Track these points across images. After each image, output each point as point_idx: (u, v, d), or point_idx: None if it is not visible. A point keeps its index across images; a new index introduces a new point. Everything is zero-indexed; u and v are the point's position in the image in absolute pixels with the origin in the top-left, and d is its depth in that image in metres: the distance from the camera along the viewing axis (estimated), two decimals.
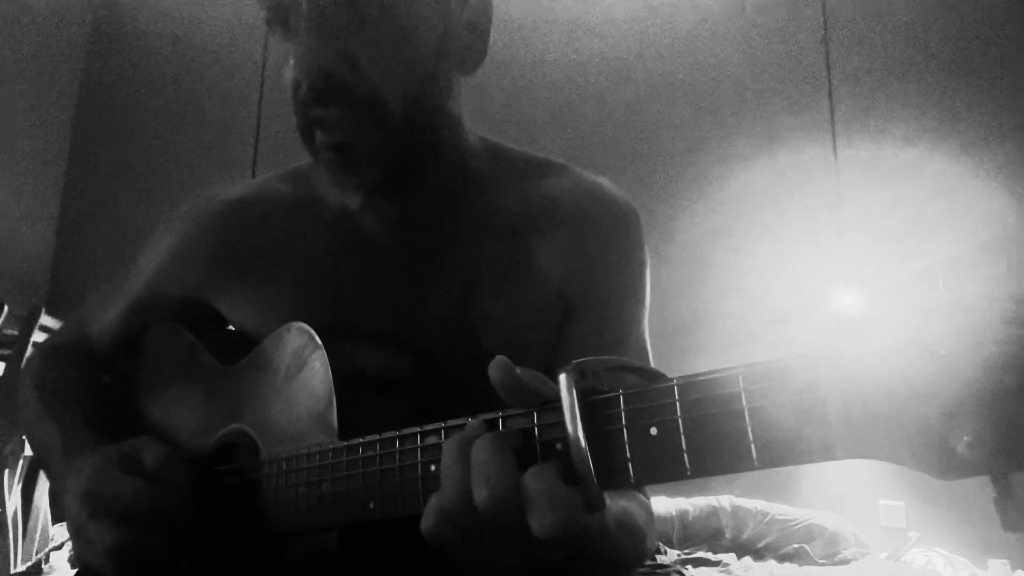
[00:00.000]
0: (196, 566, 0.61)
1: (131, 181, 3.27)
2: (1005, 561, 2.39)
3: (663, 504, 2.53)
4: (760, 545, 2.44)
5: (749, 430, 0.37)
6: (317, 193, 0.73)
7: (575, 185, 0.73)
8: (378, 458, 0.52)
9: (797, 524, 2.45)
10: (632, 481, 0.41)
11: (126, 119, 3.37)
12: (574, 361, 0.43)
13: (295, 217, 0.72)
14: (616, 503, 0.54)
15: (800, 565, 2.32)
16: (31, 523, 2.28)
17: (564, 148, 2.97)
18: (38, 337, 2.21)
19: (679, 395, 0.40)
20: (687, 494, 2.58)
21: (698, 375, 0.40)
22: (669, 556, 2.32)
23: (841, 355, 0.35)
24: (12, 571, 2.04)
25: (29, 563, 2.12)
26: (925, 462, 0.32)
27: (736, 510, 2.51)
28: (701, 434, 0.39)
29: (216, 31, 3.37)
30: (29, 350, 2.16)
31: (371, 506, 0.52)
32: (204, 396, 0.70)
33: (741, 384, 0.38)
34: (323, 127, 0.59)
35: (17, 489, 2.16)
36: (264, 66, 3.29)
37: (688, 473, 0.39)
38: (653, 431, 0.40)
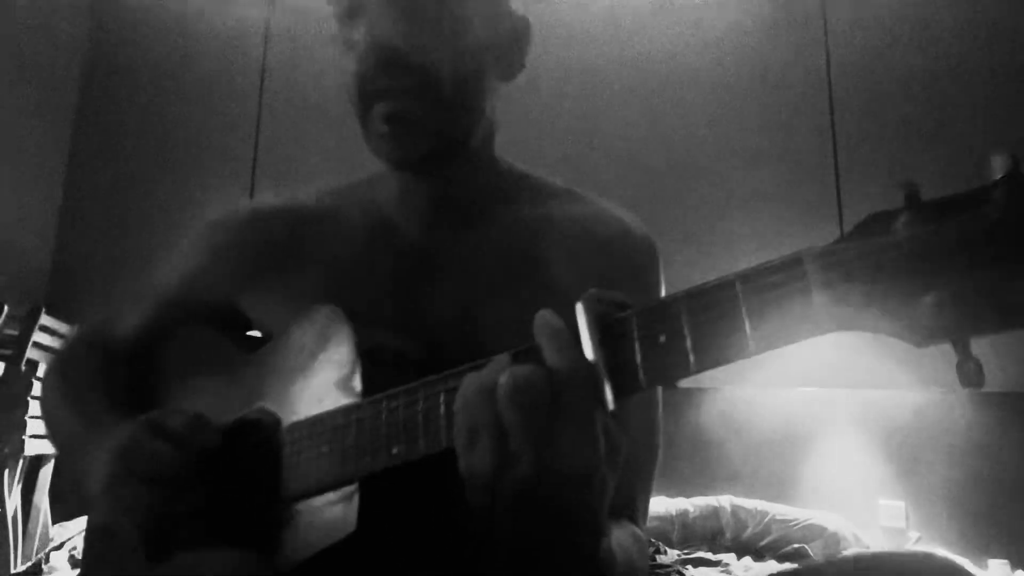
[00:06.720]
0: (218, 532, 0.62)
1: (131, 181, 3.27)
2: (1005, 561, 2.39)
3: (663, 504, 2.53)
4: (760, 545, 2.44)
5: (746, 323, 0.42)
6: (346, 203, 0.78)
7: (598, 214, 0.76)
8: (401, 406, 0.53)
9: (797, 524, 2.45)
10: (643, 384, 0.45)
11: (127, 119, 3.37)
12: (591, 290, 0.48)
13: (324, 225, 0.77)
14: (620, 545, 0.58)
15: (800, 565, 2.32)
16: (31, 523, 2.28)
17: (557, 150, 2.97)
18: (38, 337, 2.21)
19: (685, 306, 0.44)
20: (687, 494, 2.58)
21: (701, 286, 0.44)
22: (669, 556, 2.32)
23: (826, 251, 0.41)
24: (12, 571, 2.04)
25: (29, 563, 2.12)
26: (900, 331, 0.39)
27: (736, 510, 2.51)
28: (704, 333, 0.43)
29: (217, 30, 3.37)
30: (29, 350, 2.16)
31: (394, 451, 0.53)
32: (227, 384, 0.72)
33: (738, 287, 0.43)
34: (382, 99, 0.66)
35: (17, 489, 2.16)
36: (264, 65, 3.29)
37: (693, 368, 0.43)
38: (662, 339, 0.44)
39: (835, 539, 2.40)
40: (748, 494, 2.58)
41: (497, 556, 0.50)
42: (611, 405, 0.45)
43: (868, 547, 2.42)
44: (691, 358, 0.43)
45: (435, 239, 0.73)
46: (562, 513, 0.47)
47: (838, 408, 2.75)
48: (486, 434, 0.46)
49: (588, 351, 0.46)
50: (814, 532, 2.42)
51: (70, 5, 3.38)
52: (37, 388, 2.11)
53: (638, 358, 0.45)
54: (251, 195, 3.12)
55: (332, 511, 0.57)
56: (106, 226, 3.22)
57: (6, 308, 2.14)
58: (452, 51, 0.67)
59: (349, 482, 0.56)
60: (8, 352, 2.16)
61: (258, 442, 0.65)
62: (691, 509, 2.52)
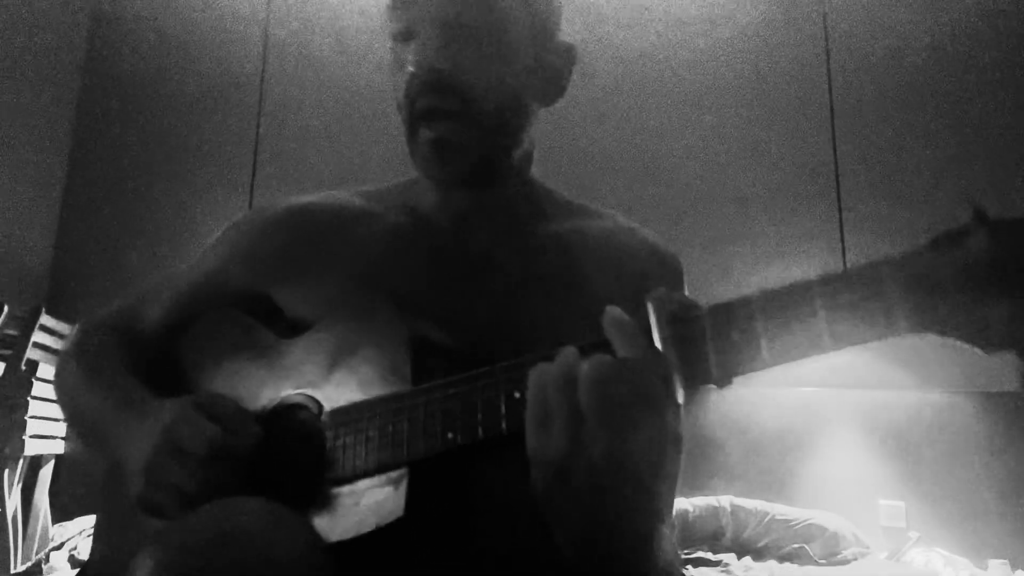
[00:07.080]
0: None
1: (131, 181, 3.27)
2: (1005, 561, 2.39)
3: None
4: (760, 545, 2.43)
5: (823, 322, 0.44)
6: (384, 203, 0.80)
7: (626, 230, 0.80)
8: (458, 394, 0.54)
9: (797, 524, 2.44)
10: (714, 376, 0.47)
11: (127, 120, 3.37)
12: (659, 288, 0.50)
13: (362, 221, 0.78)
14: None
15: (800, 565, 2.32)
16: (31, 523, 2.28)
17: (557, 156, 2.97)
18: (38, 337, 2.21)
19: (760, 304, 0.46)
20: (687, 494, 2.58)
21: (777, 288, 0.46)
22: None
23: (906, 260, 0.44)
24: (12, 571, 2.04)
25: (29, 563, 2.12)
26: (969, 337, 0.42)
27: (736, 510, 2.51)
28: (779, 328, 0.45)
29: (217, 33, 3.37)
30: (29, 350, 2.16)
31: (449, 436, 0.54)
32: (264, 368, 0.72)
33: (816, 289, 0.45)
34: (426, 122, 0.69)
35: (17, 489, 2.16)
36: (264, 67, 3.29)
37: (767, 362, 0.45)
38: (735, 334, 0.46)
39: (835, 539, 2.40)
40: (748, 494, 2.57)
41: (557, 539, 0.52)
42: (681, 397, 0.48)
43: (868, 547, 2.42)
44: (765, 353, 0.45)
45: (474, 242, 0.75)
46: (626, 497, 0.49)
47: (838, 408, 2.75)
48: (561, 419, 0.48)
49: (658, 344, 0.48)
50: (814, 532, 2.42)
51: (69, 7, 3.38)
52: (37, 388, 2.11)
53: (711, 352, 0.47)
54: (251, 196, 3.11)
55: (377, 495, 0.57)
56: (106, 226, 3.22)
57: (6, 308, 2.13)
58: (497, 77, 0.70)
59: (398, 466, 0.56)
60: (8, 352, 2.16)
61: (300, 425, 0.65)
62: (691, 509, 2.52)
